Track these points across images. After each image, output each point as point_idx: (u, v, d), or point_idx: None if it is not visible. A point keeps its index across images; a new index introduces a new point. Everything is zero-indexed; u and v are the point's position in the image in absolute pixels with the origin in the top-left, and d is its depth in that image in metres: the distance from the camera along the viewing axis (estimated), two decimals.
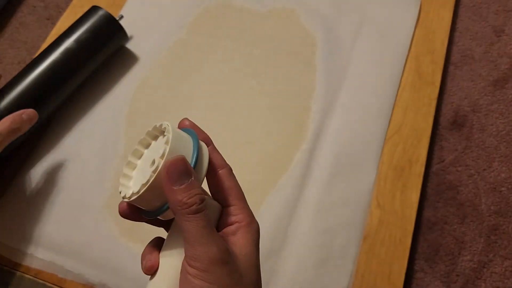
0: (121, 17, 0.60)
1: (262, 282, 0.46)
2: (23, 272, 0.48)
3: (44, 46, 0.59)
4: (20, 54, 0.66)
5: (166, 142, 0.27)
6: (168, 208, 0.27)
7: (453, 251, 0.52)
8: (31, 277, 0.48)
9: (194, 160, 0.27)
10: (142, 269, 0.30)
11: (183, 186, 0.26)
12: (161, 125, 0.29)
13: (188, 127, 0.31)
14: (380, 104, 0.56)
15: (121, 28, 0.57)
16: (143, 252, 0.30)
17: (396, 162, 0.53)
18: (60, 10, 0.69)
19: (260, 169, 0.52)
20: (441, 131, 0.59)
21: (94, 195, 0.51)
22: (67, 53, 0.53)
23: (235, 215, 0.29)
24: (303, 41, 0.61)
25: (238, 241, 0.28)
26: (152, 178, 0.26)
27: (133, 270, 0.47)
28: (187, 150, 0.27)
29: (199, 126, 0.32)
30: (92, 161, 0.53)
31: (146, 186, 0.26)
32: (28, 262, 0.48)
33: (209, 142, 0.31)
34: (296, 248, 0.48)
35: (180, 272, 0.27)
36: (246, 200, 0.30)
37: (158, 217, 0.29)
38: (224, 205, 0.30)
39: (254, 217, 0.30)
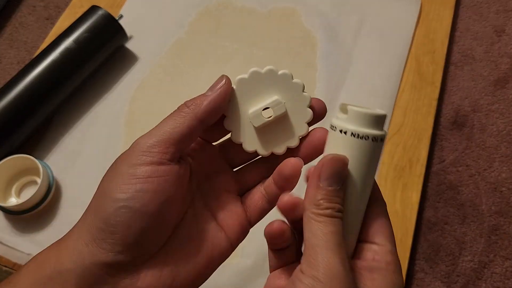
0: (121, 16, 0.60)
1: (263, 279, 0.46)
2: None
3: (44, 46, 0.59)
4: (19, 54, 0.66)
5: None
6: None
7: (454, 252, 0.52)
8: None
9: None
10: None
11: (329, 188, 0.23)
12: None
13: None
14: (380, 104, 0.56)
15: (120, 28, 0.57)
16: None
17: (396, 162, 0.53)
18: (59, 10, 0.69)
19: None
20: (441, 131, 0.58)
21: None
22: (67, 53, 0.53)
23: (380, 254, 0.24)
24: (304, 41, 0.60)
25: (373, 280, 0.23)
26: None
27: None
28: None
29: None
30: (92, 160, 0.53)
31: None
32: None
33: None
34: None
35: (291, 279, 0.22)
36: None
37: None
38: (364, 240, 0.25)
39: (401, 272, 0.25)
